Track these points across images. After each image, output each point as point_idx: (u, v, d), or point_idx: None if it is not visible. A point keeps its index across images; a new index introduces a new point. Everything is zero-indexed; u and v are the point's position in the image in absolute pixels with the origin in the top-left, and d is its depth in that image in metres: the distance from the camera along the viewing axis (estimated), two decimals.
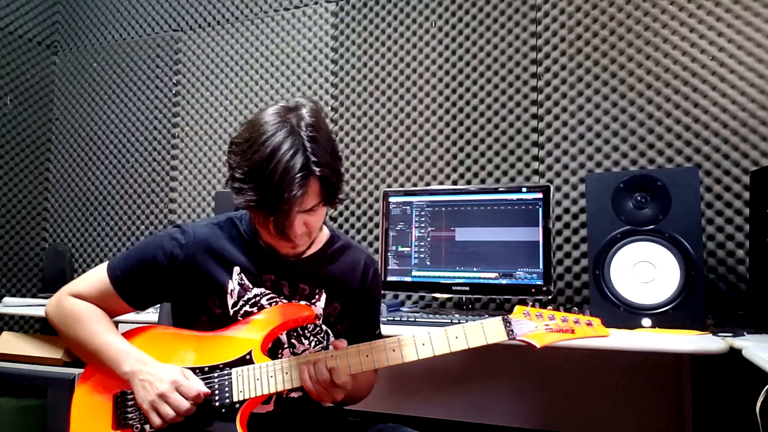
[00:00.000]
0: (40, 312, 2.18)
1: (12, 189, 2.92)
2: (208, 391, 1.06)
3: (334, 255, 1.24)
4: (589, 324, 1.05)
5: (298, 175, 0.97)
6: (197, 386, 1.05)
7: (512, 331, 1.04)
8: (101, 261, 2.92)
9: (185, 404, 1.03)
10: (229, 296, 1.14)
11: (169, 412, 1.02)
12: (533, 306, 1.08)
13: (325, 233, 1.25)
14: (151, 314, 1.89)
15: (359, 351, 1.07)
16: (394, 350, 1.06)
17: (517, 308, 1.08)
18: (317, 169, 1.00)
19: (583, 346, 1.15)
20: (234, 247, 1.17)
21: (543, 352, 1.04)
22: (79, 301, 1.15)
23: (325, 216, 1.16)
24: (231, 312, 1.14)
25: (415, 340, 1.06)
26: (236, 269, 1.16)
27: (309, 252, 1.18)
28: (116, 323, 1.22)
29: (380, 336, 1.30)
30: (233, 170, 1.04)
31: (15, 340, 2.35)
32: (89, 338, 1.12)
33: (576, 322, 1.05)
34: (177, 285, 1.15)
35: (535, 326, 1.05)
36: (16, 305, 2.35)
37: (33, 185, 3.04)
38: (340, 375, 1.04)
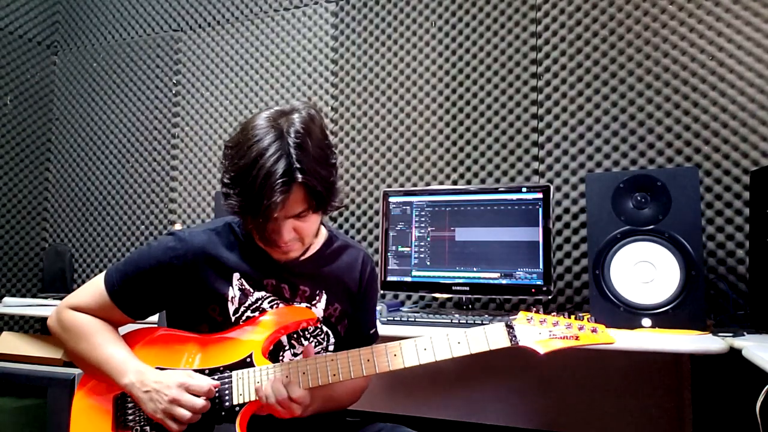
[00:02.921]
0: (40, 312, 2.18)
1: (12, 189, 2.92)
2: (218, 383, 1.06)
3: (333, 255, 1.24)
4: (594, 331, 1.03)
5: (279, 181, 0.96)
6: (206, 382, 1.05)
7: (515, 337, 1.03)
8: (101, 261, 2.93)
9: (200, 402, 1.02)
10: (230, 303, 1.14)
11: (184, 414, 1.01)
12: (537, 311, 1.06)
13: (323, 234, 1.25)
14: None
15: (360, 355, 1.06)
16: (395, 355, 1.05)
17: (520, 314, 1.06)
18: (300, 176, 0.98)
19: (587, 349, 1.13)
20: (232, 253, 1.16)
21: (544, 356, 1.03)
22: (79, 314, 1.14)
23: (323, 218, 1.16)
24: (233, 319, 1.14)
25: (416, 345, 1.05)
26: (236, 275, 1.15)
27: (308, 253, 1.18)
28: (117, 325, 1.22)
29: (376, 335, 1.30)
30: (223, 174, 1.04)
31: (15, 340, 2.35)
32: (89, 351, 1.11)
33: (580, 328, 1.03)
34: (175, 294, 1.15)
35: (538, 332, 1.03)
36: (16, 305, 2.34)
37: (33, 185, 3.04)
38: (294, 389, 1.02)
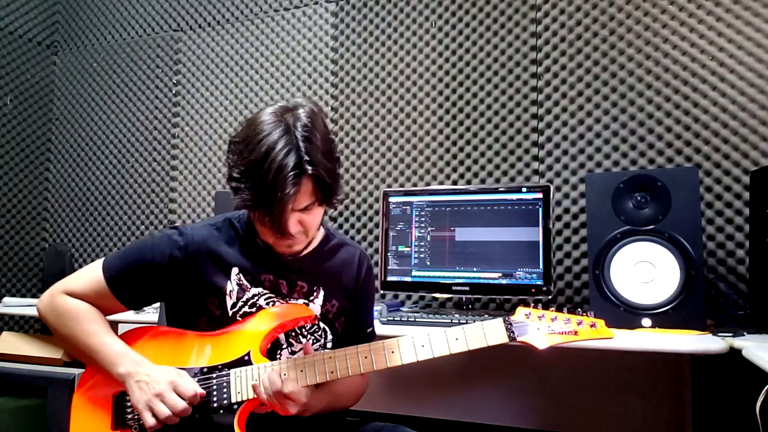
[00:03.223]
0: None
1: (12, 189, 2.92)
2: (204, 392, 1.06)
3: (330, 252, 1.25)
4: (593, 325, 1.02)
5: (291, 173, 0.99)
6: (194, 386, 1.05)
7: (513, 332, 1.02)
8: None
9: (182, 403, 1.03)
10: (228, 297, 1.14)
11: (164, 410, 1.02)
12: (535, 307, 1.06)
13: (321, 231, 1.26)
14: (150, 314, 1.89)
15: (357, 353, 1.06)
16: (393, 352, 1.04)
17: (518, 309, 1.05)
18: (310, 168, 1.01)
19: (585, 347, 1.12)
20: (232, 249, 1.17)
21: (543, 351, 1.03)
22: (74, 300, 1.14)
23: (324, 215, 1.17)
24: (230, 313, 1.14)
25: (414, 342, 1.04)
26: (234, 270, 1.16)
27: (306, 250, 1.19)
28: (116, 323, 1.22)
29: (373, 334, 1.30)
30: (231, 169, 1.06)
31: (15, 340, 2.34)
32: (85, 338, 1.11)
33: (579, 323, 1.02)
34: (174, 287, 1.15)
35: (536, 328, 1.02)
36: (16, 305, 2.34)
37: (33, 185, 3.04)
38: (289, 385, 1.02)
